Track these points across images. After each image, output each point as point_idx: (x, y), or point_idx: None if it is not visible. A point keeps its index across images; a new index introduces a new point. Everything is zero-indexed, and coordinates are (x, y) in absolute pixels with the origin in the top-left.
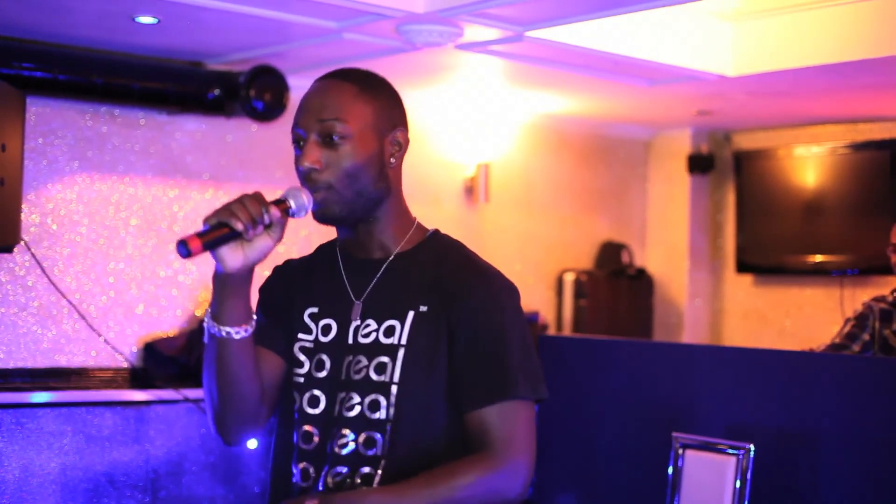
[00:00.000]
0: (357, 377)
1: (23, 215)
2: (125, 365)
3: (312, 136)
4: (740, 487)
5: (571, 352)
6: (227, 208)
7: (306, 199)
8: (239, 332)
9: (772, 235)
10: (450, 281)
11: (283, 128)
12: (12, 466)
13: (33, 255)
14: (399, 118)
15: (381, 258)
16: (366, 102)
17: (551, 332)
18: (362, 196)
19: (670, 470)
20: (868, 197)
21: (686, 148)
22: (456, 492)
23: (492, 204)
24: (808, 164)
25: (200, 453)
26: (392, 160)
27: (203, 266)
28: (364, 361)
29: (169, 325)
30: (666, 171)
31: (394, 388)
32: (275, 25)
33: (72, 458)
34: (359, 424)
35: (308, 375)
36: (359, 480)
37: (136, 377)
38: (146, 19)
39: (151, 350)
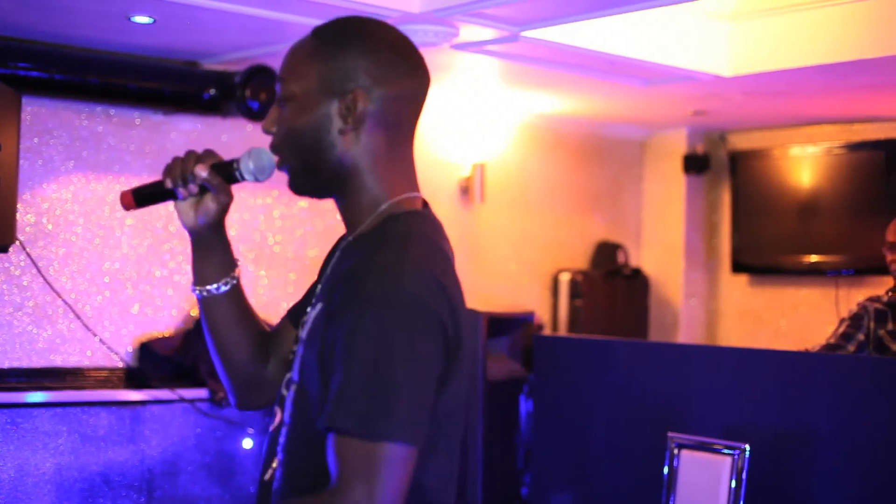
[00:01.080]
0: (288, 373)
1: (18, 215)
2: (120, 365)
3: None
4: (735, 487)
5: (567, 352)
6: (166, 166)
7: (252, 164)
8: (216, 289)
9: (767, 235)
10: (344, 277)
11: None
12: (7, 466)
13: (28, 255)
14: (361, 77)
15: (342, 241)
16: (317, 61)
17: (547, 332)
18: (310, 165)
19: (665, 470)
20: (863, 197)
21: (682, 148)
22: None
23: (487, 204)
24: (804, 165)
25: (196, 453)
26: (342, 125)
27: None
28: (296, 353)
29: (164, 324)
30: (661, 171)
31: (290, 391)
32: (270, 25)
33: (67, 458)
34: (284, 418)
35: (286, 360)
36: (267, 476)
37: (132, 377)
38: (142, 19)
39: (147, 350)
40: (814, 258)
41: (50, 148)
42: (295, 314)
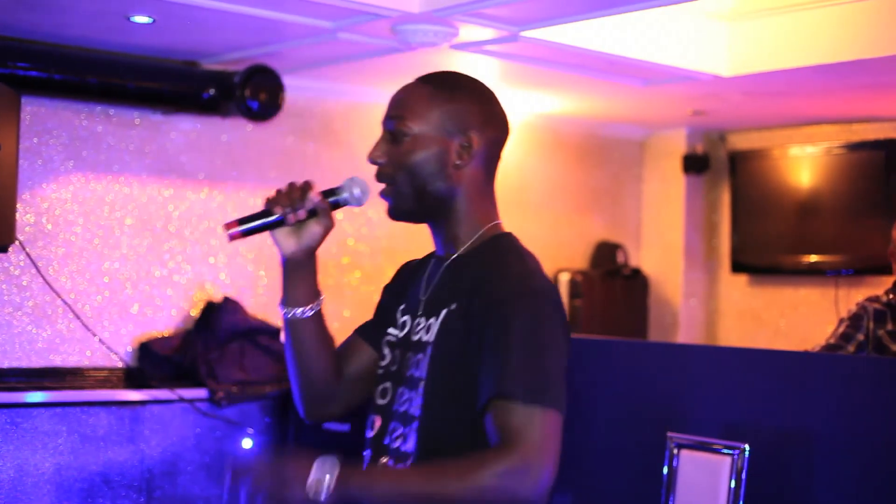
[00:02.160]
0: (408, 373)
1: (18, 215)
2: (120, 365)
3: (383, 132)
4: (735, 487)
5: None
6: (273, 195)
7: (358, 190)
8: (306, 312)
9: (767, 235)
10: (481, 280)
11: (278, 127)
12: (7, 466)
13: (28, 255)
14: (474, 122)
15: (446, 258)
16: (436, 105)
17: None
18: (423, 193)
19: (665, 470)
20: (863, 197)
21: (681, 148)
22: (468, 481)
23: None
24: (803, 165)
25: (195, 453)
26: (458, 162)
27: (198, 266)
28: (413, 357)
29: (164, 324)
30: (661, 171)
31: (422, 385)
32: (270, 25)
33: (67, 458)
34: (403, 419)
35: (385, 368)
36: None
37: (131, 377)
38: (141, 19)
39: (146, 350)
40: (813, 258)
41: (49, 148)
42: (369, 331)
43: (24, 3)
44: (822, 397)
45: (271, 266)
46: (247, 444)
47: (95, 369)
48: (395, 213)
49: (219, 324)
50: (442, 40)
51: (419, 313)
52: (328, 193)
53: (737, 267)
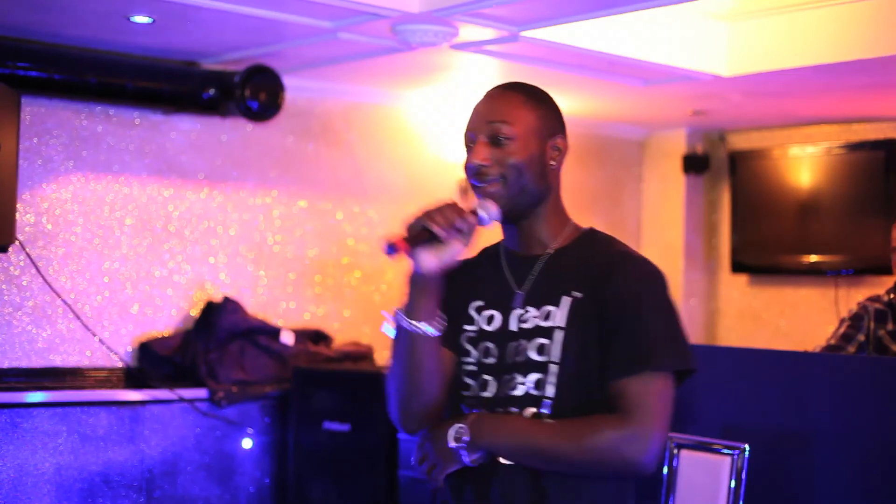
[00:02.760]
0: (520, 359)
1: (18, 215)
2: (120, 365)
3: (481, 137)
4: (735, 487)
5: None
6: (428, 214)
7: (495, 209)
8: (431, 328)
9: (767, 235)
10: (600, 268)
11: (277, 127)
12: (7, 466)
13: (28, 255)
14: (559, 127)
15: (541, 253)
16: (529, 109)
17: None
18: (526, 192)
19: (665, 470)
20: (863, 197)
21: (681, 148)
22: (584, 441)
23: None
24: (803, 165)
25: (195, 453)
26: (552, 163)
27: (198, 266)
28: (525, 344)
29: (164, 324)
30: (661, 171)
31: (553, 367)
32: (270, 25)
33: (67, 458)
34: (524, 401)
35: (478, 363)
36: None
37: (131, 377)
38: (141, 19)
39: (146, 350)
40: (813, 258)
41: (49, 148)
42: (445, 336)
43: (24, 3)
44: (822, 397)
45: (271, 266)
46: (246, 443)
47: (95, 369)
48: (506, 214)
49: (219, 324)
50: (442, 40)
51: (517, 304)
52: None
53: (737, 267)
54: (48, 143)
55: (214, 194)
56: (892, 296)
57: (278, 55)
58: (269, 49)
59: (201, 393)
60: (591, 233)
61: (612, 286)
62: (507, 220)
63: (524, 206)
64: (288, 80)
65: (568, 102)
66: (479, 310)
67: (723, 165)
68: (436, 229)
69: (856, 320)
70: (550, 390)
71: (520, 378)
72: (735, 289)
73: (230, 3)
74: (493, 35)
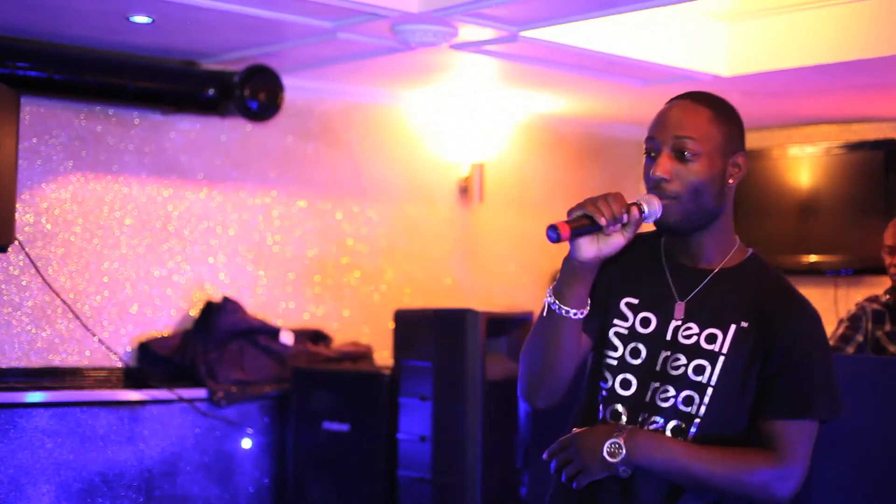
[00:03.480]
0: (675, 372)
1: (17, 215)
2: (119, 365)
3: (666, 150)
4: None
5: None
6: (592, 203)
7: (658, 206)
8: (577, 314)
9: (766, 235)
10: (770, 304)
11: (277, 127)
12: (6, 466)
13: (27, 255)
14: (741, 143)
15: (707, 269)
16: (717, 126)
17: None
18: (701, 210)
19: None
20: (862, 197)
21: None
22: (739, 472)
23: (486, 204)
24: (803, 165)
25: (195, 453)
26: (731, 181)
27: (198, 266)
28: (683, 360)
29: (163, 324)
30: None
31: (709, 390)
32: (269, 25)
33: (66, 458)
34: (670, 414)
35: (622, 360)
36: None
37: (131, 377)
38: (141, 19)
39: (146, 350)
40: (813, 258)
41: (49, 148)
42: (588, 322)
43: (24, 3)
44: None
45: (270, 266)
46: (246, 443)
47: (95, 369)
48: (666, 225)
49: (218, 324)
50: (441, 40)
51: (678, 316)
52: (636, 207)
53: None
54: (48, 142)
55: (214, 194)
56: (889, 296)
57: (278, 55)
58: (269, 49)
59: (201, 393)
60: (756, 258)
61: (784, 326)
62: (679, 234)
63: (697, 223)
64: (287, 80)
65: (567, 102)
66: (632, 308)
67: None
68: (598, 218)
69: (854, 321)
70: (701, 410)
71: (672, 391)
72: None
73: (230, 3)
74: (492, 35)
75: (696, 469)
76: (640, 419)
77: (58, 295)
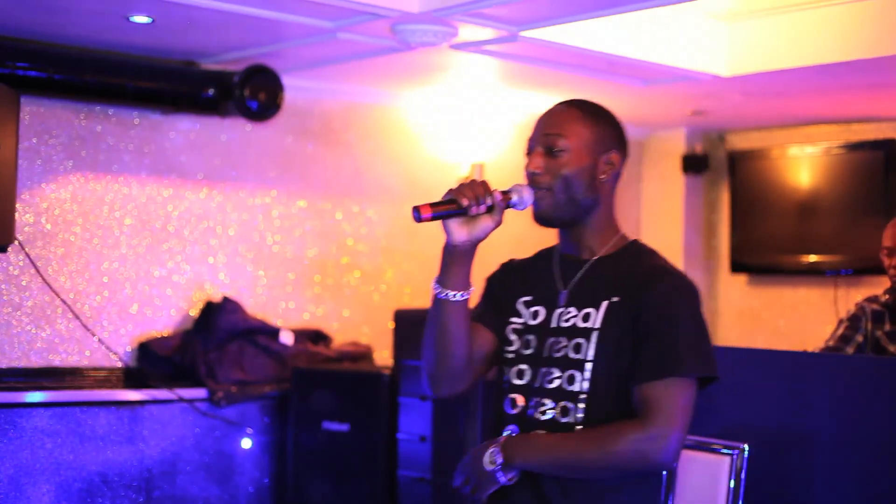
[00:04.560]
0: (558, 355)
1: (17, 215)
2: (119, 365)
3: (538, 147)
4: (734, 487)
5: None
6: (458, 188)
7: (527, 194)
8: (456, 296)
9: (766, 235)
10: (640, 277)
11: (277, 127)
12: (6, 466)
13: (27, 255)
14: (616, 144)
15: (587, 258)
16: (586, 125)
17: None
18: (573, 202)
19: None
20: (862, 197)
21: (680, 148)
22: (607, 446)
23: None
24: (803, 165)
25: (194, 453)
26: (603, 177)
27: (197, 266)
28: (564, 342)
29: (163, 324)
30: (660, 171)
31: (588, 365)
32: (269, 25)
33: (66, 458)
34: (557, 395)
35: (517, 352)
36: (557, 412)
37: (131, 377)
38: (140, 19)
39: (145, 350)
40: (812, 258)
41: (49, 148)
42: (486, 319)
43: (24, 3)
44: (822, 397)
45: (270, 266)
46: (246, 443)
47: (95, 369)
48: (545, 218)
49: (218, 324)
50: (441, 40)
51: (561, 304)
52: (504, 194)
53: (736, 267)
54: (47, 142)
55: (214, 194)
56: (888, 296)
57: (278, 55)
58: (269, 49)
59: (200, 393)
60: (636, 244)
61: (648, 294)
62: (554, 225)
63: (571, 214)
64: (287, 80)
65: None
66: (527, 304)
67: (722, 165)
68: (461, 200)
69: (853, 321)
70: (585, 386)
71: (557, 373)
72: (734, 289)
73: (230, 3)
74: (492, 35)
75: (569, 457)
76: (532, 404)
77: (58, 295)
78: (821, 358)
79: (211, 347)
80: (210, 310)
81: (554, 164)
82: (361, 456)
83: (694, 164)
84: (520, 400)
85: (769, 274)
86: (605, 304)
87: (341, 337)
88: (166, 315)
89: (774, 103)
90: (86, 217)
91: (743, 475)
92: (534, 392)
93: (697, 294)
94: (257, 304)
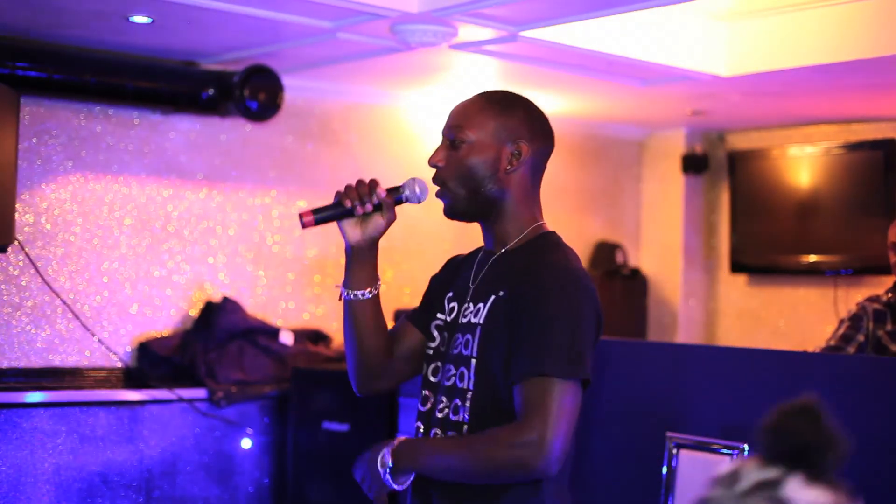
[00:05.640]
0: (454, 352)
1: (17, 215)
2: (119, 365)
3: (444, 140)
4: None
5: None
6: (344, 189)
7: (419, 189)
8: (359, 295)
9: (766, 235)
10: (526, 273)
11: (277, 127)
12: (6, 466)
13: (27, 255)
14: (523, 133)
15: (495, 252)
16: (489, 116)
17: None
18: (475, 194)
19: (664, 470)
20: (862, 197)
21: (680, 148)
22: (482, 453)
23: None
24: (802, 164)
25: (194, 453)
26: (508, 167)
27: (197, 266)
28: (460, 338)
29: (163, 324)
30: (660, 171)
31: (473, 362)
32: (269, 25)
33: (66, 458)
34: (450, 393)
35: (436, 349)
36: (450, 411)
37: (130, 377)
38: (140, 19)
39: (145, 350)
40: (812, 258)
41: (48, 148)
42: (417, 317)
43: (24, 3)
44: (821, 397)
45: (270, 266)
46: (245, 443)
47: (94, 369)
48: (451, 213)
49: (218, 324)
50: (441, 40)
51: (467, 299)
52: (392, 191)
53: (736, 267)
54: (47, 143)
55: (213, 194)
56: (890, 296)
57: (277, 55)
58: (269, 49)
59: (200, 393)
60: (542, 237)
61: (526, 288)
62: (463, 219)
63: (477, 207)
64: (287, 81)
65: (567, 102)
66: (448, 300)
67: (722, 165)
68: (345, 202)
69: (855, 321)
70: (471, 384)
71: (452, 370)
72: (734, 289)
73: (230, 3)
74: (492, 35)
75: (454, 462)
76: (433, 401)
77: (57, 295)
78: (821, 358)
79: (211, 347)
80: (210, 310)
81: (455, 157)
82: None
83: (694, 164)
84: (430, 397)
85: (769, 274)
86: (492, 298)
87: (341, 337)
88: (166, 315)
89: (774, 103)
90: (86, 217)
91: None
92: (438, 389)
93: (583, 291)
94: (257, 305)
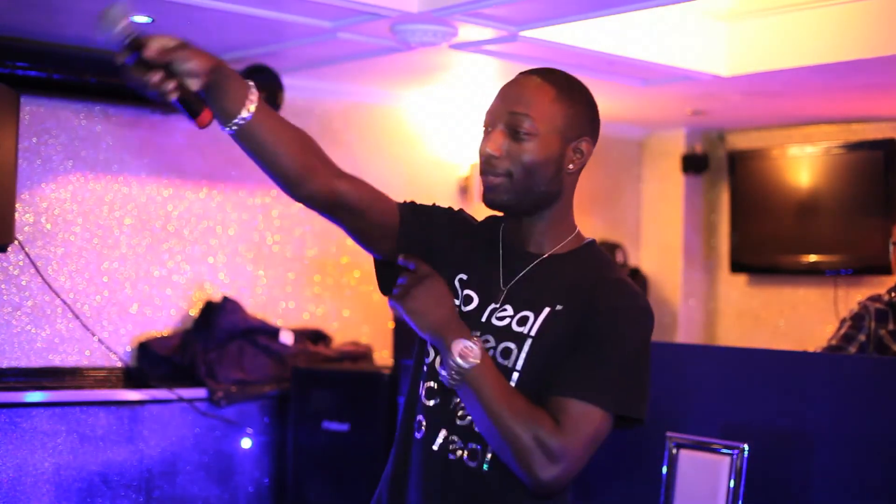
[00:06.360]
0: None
1: (17, 214)
2: (119, 364)
3: (500, 125)
4: (734, 487)
5: None
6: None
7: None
8: (241, 120)
9: (766, 235)
10: (591, 287)
11: None
12: (6, 466)
13: (27, 255)
14: (588, 128)
15: (536, 254)
16: (560, 107)
17: None
18: (533, 192)
19: (664, 470)
20: (862, 197)
21: (680, 148)
22: (514, 421)
23: None
24: (802, 164)
25: (194, 453)
26: (570, 166)
27: (197, 266)
28: (492, 342)
29: (163, 324)
30: (660, 171)
31: (515, 375)
32: (269, 25)
33: (66, 458)
34: None
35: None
36: (465, 453)
37: (130, 377)
38: (141, 19)
39: (145, 349)
40: (812, 258)
41: (48, 147)
42: (408, 213)
43: (24, 3)
44: (822, 397)
45: (270, 266)
46: (245, 443)
47: (94, 369)
48: (495, 204)
49: (218, 324)
50: (441, 40)
51: (500, 299)
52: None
53: (736, 267)
54: (47, 142)
55: (213, 194)
56: (892, 295)
57: (277, 55)
58: (269, 49)
59: (200, 393)
60: (589, 247)
61: (598, 309)
62: (507, 212)
63: (527, 206)
64: (287, 80)
65: None
66: (462, 284)
67: (722, 165)
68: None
69: (857, 320)
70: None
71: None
72: (734, 289)
73: (230, 3)
74: (492, 35)
75: (496, 407)
76: (452, 400)
77: (58, 295)
78: (821, 358)
79: (211, 347)
80: (210, 310)
81: (516, 149)
82: (361, 456)
83: (694, 163)
84: (436, 388)
85: (769, 274)
86: (546, 310)
87: (341, 337)
88: (166, 315)
89: (774, 103)
90: (86, 217)
91: (743, 475)
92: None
93: (649, 321)
94: (257, 304)
